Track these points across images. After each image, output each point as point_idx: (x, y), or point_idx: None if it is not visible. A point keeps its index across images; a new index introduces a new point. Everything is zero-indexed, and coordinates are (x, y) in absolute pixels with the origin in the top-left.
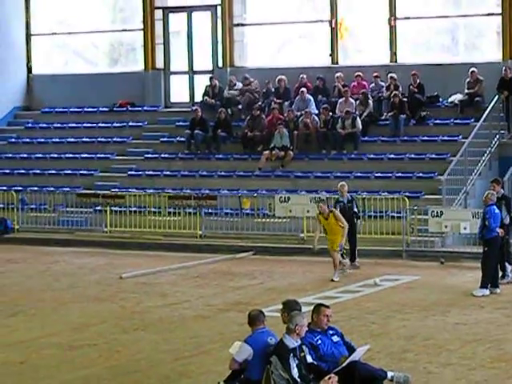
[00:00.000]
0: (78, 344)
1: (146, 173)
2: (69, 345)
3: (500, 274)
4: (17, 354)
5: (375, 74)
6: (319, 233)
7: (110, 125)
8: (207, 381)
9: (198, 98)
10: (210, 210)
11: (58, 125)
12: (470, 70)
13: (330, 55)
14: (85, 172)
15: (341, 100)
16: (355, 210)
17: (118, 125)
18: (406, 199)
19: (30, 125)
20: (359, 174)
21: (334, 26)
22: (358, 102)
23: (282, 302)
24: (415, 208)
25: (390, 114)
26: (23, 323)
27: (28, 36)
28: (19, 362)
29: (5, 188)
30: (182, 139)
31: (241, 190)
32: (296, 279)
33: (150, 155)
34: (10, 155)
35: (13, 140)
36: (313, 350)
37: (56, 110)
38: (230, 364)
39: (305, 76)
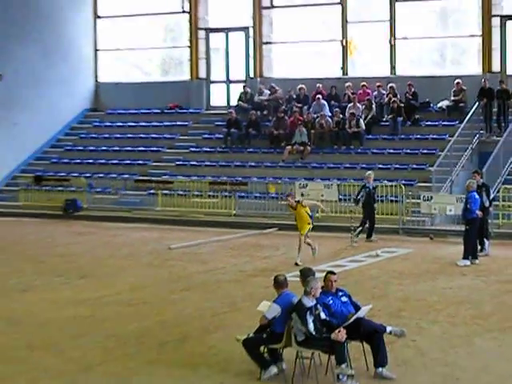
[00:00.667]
0: (135, 302)
1: (191, 163)
2: (127, 302)
3: (479, 247)
4: (86, 309)
5: (378, 84)
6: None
7: (161, 124)
8: (240, 331)
9: (233, 102)
10: (242, 194)
11: (120, 123)
12: (455, 81)
13: (341, 68)
14: (141, 162)
15: (349, 105)
16: (376, 196)
17: (168, 124)
18: (403, 186)
19: (96, 123)
20: (364, 166)
21: (344, 44)
22: (363, 106)
23: (300, 269)
24: (410, 193)
25: (389, 116)
26: (90, 284)
27: (95, 51)
28: (88, 316)
29: (76, 174)
30: (220, 136)
31: (267, 177)
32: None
33: (193, 149)
34: (81, 148)
35: (83, 136)
36: (325, 309)
37: (118, 111)
38: (260, 320)
39: (320, 85)
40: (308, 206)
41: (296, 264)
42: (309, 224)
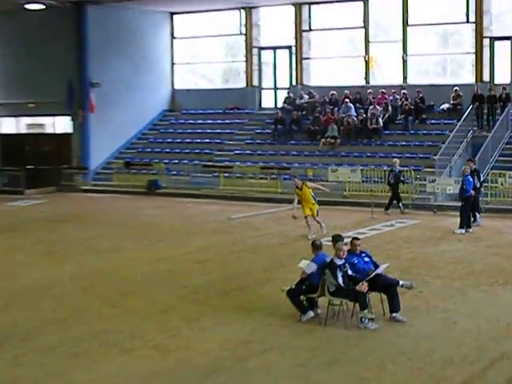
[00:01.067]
0: (202, 260)
1: (246, 152)
2: (196, 260)
3: (472, 219)
4: (164, 265)
5: (393, 91)
6: (296, 203)
7: (223, 121)
8: (284, 283)
9: (279, 104)
10: (286, 176)
11: (191, 121)
12: (454, 89)
13: (365, 78)
14: (207, 151)
15: (371, 107)
16: (402, 178)
17: (228, 121)
18: (412, 171)
19: (173, 121)
20: (382, 155)
21: (367, 59)
22: (381, 108)
23: (332, 235)
24: (418, 177)
25: (402, 116)
26: (167, 246)
27: (172, 65)
28: (166, 270)
29: (157, 161)
30: (269, 131)
31: (306, 163)
32: (340, 221)
33: (248, 141)
34: (161, 140)
35: (162, 130)
36: (351, 267)
37: (189, 111)
38: (301, 274)
39: (348, 91)
40: (311, 188)
41: (308, 238)
42: (313, 204)
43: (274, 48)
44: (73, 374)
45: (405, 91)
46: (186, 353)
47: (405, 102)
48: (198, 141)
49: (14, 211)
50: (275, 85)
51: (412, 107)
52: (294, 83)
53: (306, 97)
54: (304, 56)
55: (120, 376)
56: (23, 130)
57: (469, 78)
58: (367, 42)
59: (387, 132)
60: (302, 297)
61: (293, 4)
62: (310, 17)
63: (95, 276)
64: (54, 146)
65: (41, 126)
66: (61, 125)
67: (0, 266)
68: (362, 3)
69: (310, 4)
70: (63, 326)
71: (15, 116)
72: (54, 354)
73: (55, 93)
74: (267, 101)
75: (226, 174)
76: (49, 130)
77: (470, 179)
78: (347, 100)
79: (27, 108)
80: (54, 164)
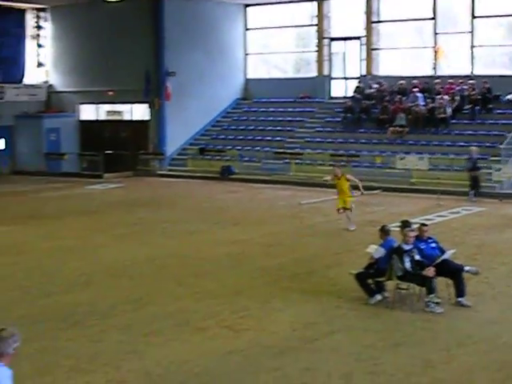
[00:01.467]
0: (273, 243)
1: (316, 140)
2: (268, 243)
3: None
4: (237, 248)
5: (460, 81)
6: (331, 180)
7: (294, 110)
8: (353, 267)
9: (349, 93)
10: (355, 163)
11: (263, 109)
12: None
13: (433, 68)
14: (278, 138)
15: (438, 96)
16: (477, 165)
17: (299, 110)
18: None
19: (246, 109)
20: (449, 143)
21: (435, 50)
22: (449, 98)
23: (400, 221)
24: (484, 165)
25: (469, 106)
26: (240, 229)
27: (245, 55)
28: (238, 253)
29: (230, 147)
30: (339, 119)
31: (374, 151)
32: (408, 207)
33: (318, 129)
34: (234, 127)
35: (235, 118)
36: (419, 252)
37: (262, 100)
38: (369, 258)
39: (416, 81)
40: (350, 181)
41: (348, 230)
42: (348, 197)
43: (344, 39)
44: (147, 352)
45: (472, 81)
46: (258, 333)
47: (472, 92)
48: (270, 128)
49: (93, 194)
50: (345, 74)
51: (479, 97)
52: (363, 73)
53: (376, 86)
54: (373, 46)
55: (193, 354)
56: (102, 117)
57: None
58: (435, 33)
59: (454, 121)
60: (369, 280)
61: None
62: (379, 8)
63: (170, 258)
64: (132, 132)
65: (119, 113)
66: (138, 112)
67: (81, 247)
68: None
69: None
70: (139, 305)
71: (95, 103)
72: (130, 331)
73: (133, 81)
74: (337, 90)
75: (296, 161)
76: (126, 117)
77: None
78: (415, 90)
79: (106, 96)
80: (131, 150)
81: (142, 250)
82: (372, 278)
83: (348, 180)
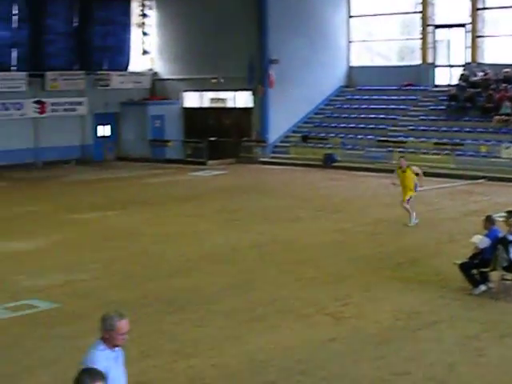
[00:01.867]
0: (377, 232)
1: (420, 128)
2: (371, 232)
3: None
4: (339, 236)
5: None
6: (396, 178)
7: (397, 97)
8: (456, 257)
9: (453, 81)
10: (459, 152)
11: (366, 97)
12: None
13: None
14: (382, 126)
15: None
16: None
17: (403, 98)
18: None
19: (349, 97)
20: None
21: None
22: None
23: (506, 211)
24: None
25: None
26: (342, 217)
27: (348, 42)
28: (341, 241)
29: (333, 135)
30: (443, 107)
31: (479, 140)
32: None
33: (422, 117)
34: (337, 115)
35: (338, 106)
36: None
37: (365, 87)
38: (474, 248)
39: None
40: (415, 174)
41: (406, 225)
42: (410, 190)
43: (449, 26)
44: (250, 338)
45: None
46: (360, 321)
47: None
48: (373, 116)
49: (197, 181)
50: (449, 62)
51: None
52: (468, 61)
53: (481, 74)
54: (478, 34)
55: (295, 340)
56: (206, 104)
57: None
58: None
59: None
60: (474, 271)
61: None
62: None
63: (272, 244)
64: (235, 119)
65: (223, 100)
66: (241, 99)
67: (185, 233)
68: None
69: None
70: (241, 291)
71: (199, 91)
72: (232, 317)
73: (236, 69)
74: (441, 78)
75: (399, 149)
76: (230, 104)
77: None
78: None
79: (210, 83)
80: (234, 137)
81: (245, 236)
82: (477, 268)
83: (413, 173)
